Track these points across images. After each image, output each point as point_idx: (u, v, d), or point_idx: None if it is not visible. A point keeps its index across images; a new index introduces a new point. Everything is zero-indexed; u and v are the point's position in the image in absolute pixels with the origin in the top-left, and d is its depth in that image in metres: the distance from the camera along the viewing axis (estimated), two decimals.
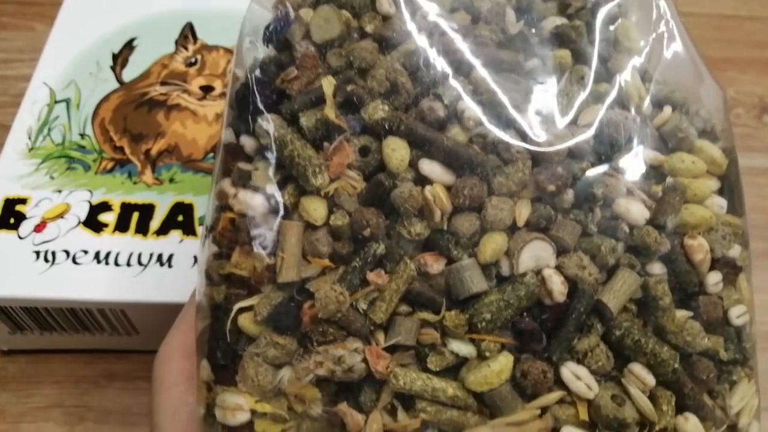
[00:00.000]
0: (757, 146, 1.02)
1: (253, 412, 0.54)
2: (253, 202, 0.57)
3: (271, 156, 0.57)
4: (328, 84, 0.57)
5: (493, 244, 0.53)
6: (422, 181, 0.55)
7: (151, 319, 0.82)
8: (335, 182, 0.56)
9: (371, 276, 0.54)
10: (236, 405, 0.54)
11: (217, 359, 0.57)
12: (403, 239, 0.54)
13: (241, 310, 0.56)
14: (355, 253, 0.55)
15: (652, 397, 0.52)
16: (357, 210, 0.55)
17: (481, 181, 0.54)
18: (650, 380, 0.52)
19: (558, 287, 0.52)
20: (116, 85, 0.92)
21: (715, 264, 0.56)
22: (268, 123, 0.57)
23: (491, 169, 0.54)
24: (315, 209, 0.56)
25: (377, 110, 0.55)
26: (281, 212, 0.56)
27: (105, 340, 0.88)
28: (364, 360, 0.52)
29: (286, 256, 0.55)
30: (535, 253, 0.53)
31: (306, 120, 0.56)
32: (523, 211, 0.53)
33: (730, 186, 0.58)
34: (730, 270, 0.57)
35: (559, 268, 0.53)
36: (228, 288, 0.57)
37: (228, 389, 0.55)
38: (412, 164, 0.55)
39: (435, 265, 0.54)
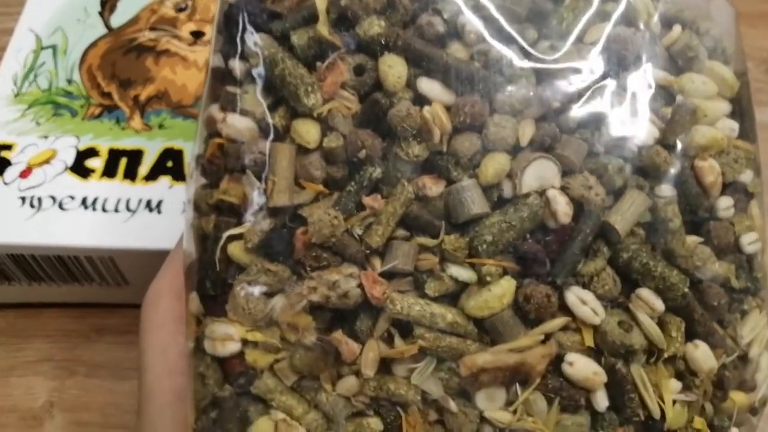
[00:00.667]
0: (766, 101, 0.99)
1: (244, 342, 0.52)
2: (242, 125, 0.55)
3: (261, 77, 0.55)
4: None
5: (495, 164, 0.50)
6: (421, 100, 0.52)
7: (140, 267, 0.79)
8: (329, 103, 0.53)
9: (367, 200, 0.52)
10: (226, 335, 0.52)
11: (206, 290, 0.54)
12: (400, 161, 0.51)
13: (231, 239, 0.54)
14: (350, 177, 0.52)
15: (661, 323, 0.50)
16: (352, 131, 0.52)
17: (483, 99, 0.51)
18: (659, 305, 0.50)
19: (563, 208, 0.50)
20: (104, 31, 0.89)
21: (726, 189, 0.54)
22: (258, 42, 0.54)
23: (493, 86, 0.51)
24: (307, 131, 0.53)
25: (373, 26, 0.52)
26: (272, 135, 0.54)
27: (95, 293, 0.86)
28: (360, 285, 0.50)
29: (277, 179, 0.52)
30: (539, 173, 0.50)
31: (298, 38, 0.54)
32: (527, 130, 0.51)
33: (741, 110, 0.56)
34: (742, 196, 0.54)
35: (563, 188, 0.50)
36: (217, 216, 0.55)
37: (218, 320, 0.53)
38: (410, 83, 0.52)
39: (434, 187, 0.52)
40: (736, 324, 0.53)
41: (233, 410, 0.52)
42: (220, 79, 0.59)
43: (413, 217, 0.51)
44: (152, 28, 0.89)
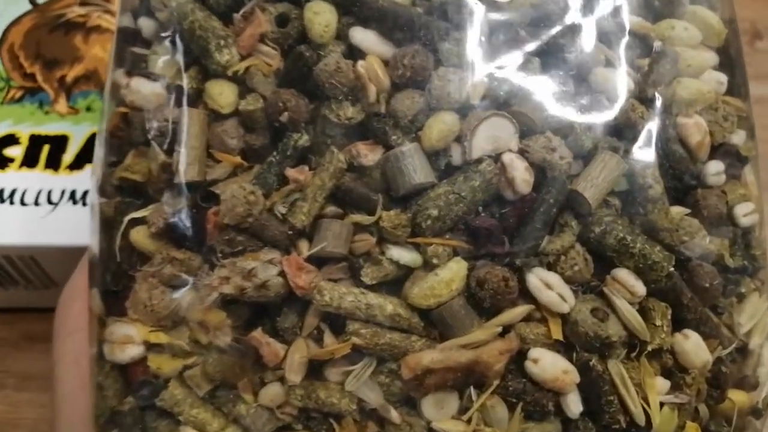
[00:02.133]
0: (749, 73, 0.90)
1: (147, 345, 0.44)
2: (147, 90, 0.46)
3: (170, 34, 0.47)
4: None
5: (440, 125, 0.42)
6: (353, 53, 0.44)
7: (66, 266, 0.71)
8: (246, 60, 0.45)
9: (291, 172, 0.43)
10: (125, 337, 0.44)
11: (107, 285, 0.46)
12: (330, 125, 0.43)
13: (134, 224, 0.46)
14: (273, 147, 0.45)
15: (643, 310, 0.42)
16: (273, 92, 0.44)
17: (425, 49, 0.43)
18: (639, 289, 0.41)
19: (521, 175, 0.42)
20: (29, 6, 0.81)
21: (715, 152, 0.46)
22: None
23: (437, 33, 0.43)
24: (220, 93, 0.45)
25: None
26: (183, 102, 0.46)
27: (21, 297, 0.77)
28: (282, 274, 0.42)
29: (184, 151, 0.44)
30: (493, 133, 0.42)
31: None
32: (478, 84, 0.43)
33: (730, 61, 0.48)
34: (734, 160, 0.47)
35: (522, 152, 0.42)
36: (119, 198, 0.47)
37: (119, 320, 0.45)
38: (341, 34, 0.44)
39: (370, 154, 0.44)
40: (733, 310, 0.45)
41: (135, 427, 0.43)
42: (128, 39, 0.51)
43: (345, 190, 0.43)
44: (82, 3, 0.80)
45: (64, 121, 0.73)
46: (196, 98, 0.46)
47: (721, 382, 0.42)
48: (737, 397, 0.43)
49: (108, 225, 0.47)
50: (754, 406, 0.44)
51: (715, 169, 0.44)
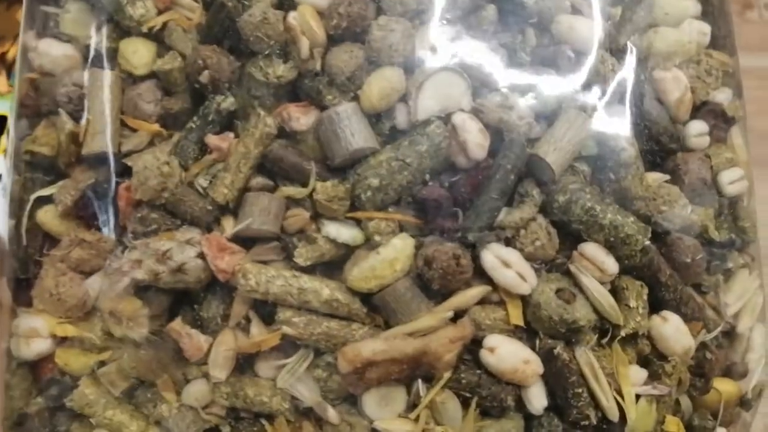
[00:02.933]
0: (739, 44, 0.85)
1: (56, 338, 0.39)
2: (57, 52, 0.41)
3: None
4: None
5: (381, 82, 0.37)
6: (284, 4, 0.39)
7: None
8: (164, 14, 0.40)
9: (212, 140, 0.38)
10: (31, 330, 0.39)
11: (15, 273, 0.41)
12: (256, 84, 0.38)
13: (43, 203, 0.41)
14: (194, 112, 0.40)
15: (615, 290, 0.37)
16: (193, 49, 0.39)
17: None
18: (610, 265, 0.36)
19: (474, 138, 0.36)
20: None
21: (698, 111, 0.41)
22: None
23: None
24: (134, 52, 0.40)
25: None
26: (96, 64, 0.41)
27: None
28: (201, 255, 0.37)
29: (93, 118, 0.39)
30: (442, 91, 0.37)
31: None
32: (425, 35, 0.38)
33: (713, 10, 0.43)
34: (720, 121, 0.42)
35: (476, 112, 0.37)
36: (27, 174, 0.42)
37: (26, 311, 0.40)
38: None
39: (302, 118, 0.38)
40: (719, 289, 0.40)
41: (42, 431, 0.39)
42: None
43: (274, 158, 0.37)
44: None
45: (4, 99, 0.68)
46: (112, 60, 0.41)
47: (705, 371, 0.37)
48: (724, 386, 0.38)
49: (16, 206, 0.42)
50: (742, 396, 0.39)
51: (697, 130, 0.39)
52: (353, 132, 0.37)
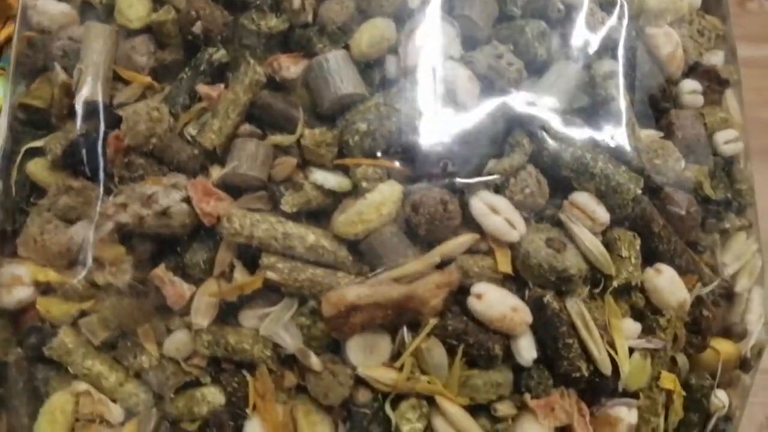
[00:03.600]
0: (739, 34, 0.84)
1: (38, 286, 0.38)
2: (55, 10, 0.42)
3: None
4: None
5: (372, 30, 0.37)
6: None
7: None
8: None
9: (203, 88, 0.38)
10: (13, 277, 0.38)
11: (2, 225, 0.41)
12: (248, 34, 0.38)
13: (32, 155, 0.41)
14: (187, 65, 0.40)
15: (607, 241, 0.36)
16: (187, 1, 0.40)
17: None
18: (602, 215, 0.35)
19: (464, 84, 0.36)
20: None
21: (691, 72, 0.41)
22: None
23: None
24: (130, 6, 0.40)
25: None
26: (97, 18, 0.41)
27: None
28: (187, 200, 0.37)
29: (85, 67, 0.39)
30: (432, 39, 0.37)
31: None
32: None
33: None
34: (714, 83, 0.41)
35: (466, 62, 0.37)
36: (18, 127, 0.42)
37: (10, 261, 0.39)
38: None
39: (293, 67, 0.38)
40: (716, 248, 0.39)
41: (20, 381, 0.38)
42: None
43: (263, 106, 0.37)
44: None
45: None
46: (108, 15, 0.41)
47: (701, 327, 0.36)
48: (722, 346, 0.37)
49: (7, 160, 0.42)
50: (742, 356, 0.37)
51: (690, 87, 0.39)
52: (342, 78, 0.36)
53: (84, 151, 0.38)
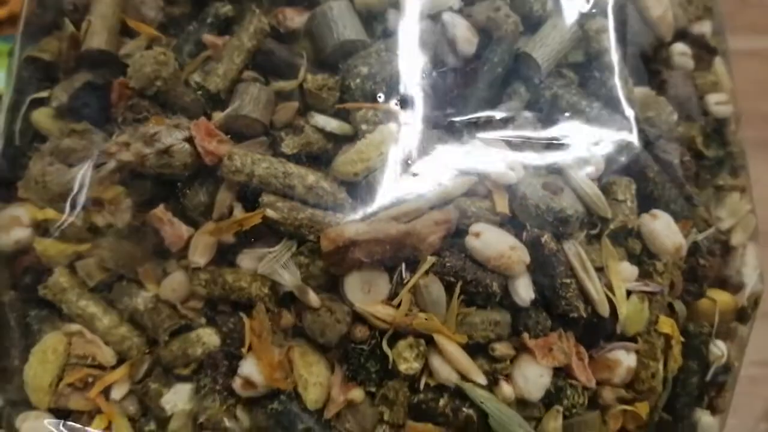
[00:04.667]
0: (739, 27, 0.85)
1: (37, 226, 0.38)
2: None
3: None
4: None
5: None
6: None
7: None
8: None
9: (208, 38, 0.39)
10: (12, 218, 0.38)
11: (4, 172, 0.41)
12: None
13: (37, 104, 0.41)
14: (195, 18, 0.41)
15: (603, 187, 0.36)
16: None
17: None
18: (597, 160, 0.37)
19: (463, 33, 0.37)
20: None
21: (680, 38, 0.42)
22: None
23: None
24: None
25: None
26: None
27: None
28: (189, 140, 0.37)
29: (95, 18, 0.40)
30: None
31: None
32: None
33: None
34: (702, 51, 0.43)
35: (465, 15, 0.39)
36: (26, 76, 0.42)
37: (8, 205, 0.39)
38: None
39: (297, 18, 0.39)
40: (710, 203, 0.39)
41: (12, 320, 0.37)
42: None
43: (266, 53, 0.38)
44: None
45: None
46: None
47: (698, 276, 0.36)
48: (719, 296, 0.37)
49: (12, 111, 0.42)
50: (738, 308, 0.37)
51: (680, 49, 0.40)
52: (345, 25, 0.37)
53: (88, 98, 0.39)
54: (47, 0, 0.43)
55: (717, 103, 0.40)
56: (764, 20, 0.76)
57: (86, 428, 0.36)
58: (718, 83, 0.41)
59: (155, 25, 0.40)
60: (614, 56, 0.37)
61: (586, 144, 0.36)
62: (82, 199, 0.37)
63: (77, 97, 0.39)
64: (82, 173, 0.38)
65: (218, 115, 0.38)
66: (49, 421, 0.36)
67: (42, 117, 0.40)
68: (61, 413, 0.36)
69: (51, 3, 0.43)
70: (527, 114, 0.36)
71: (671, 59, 0.40)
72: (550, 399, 0.34)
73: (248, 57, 0.38)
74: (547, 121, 0.36)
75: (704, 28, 0.42)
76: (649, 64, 0.40)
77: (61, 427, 0.35)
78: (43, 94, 0.40)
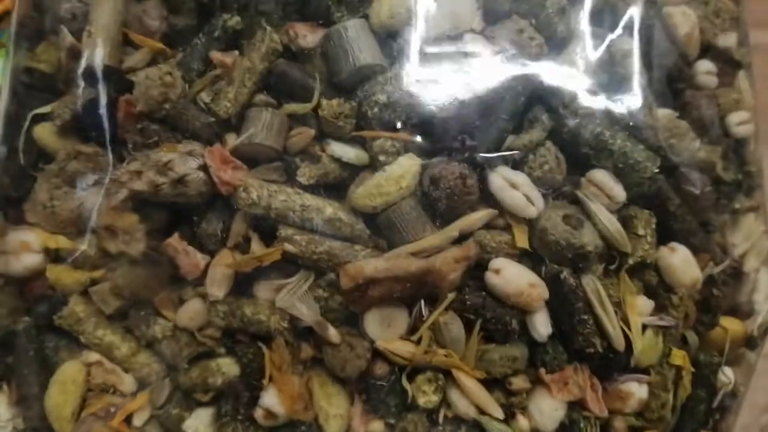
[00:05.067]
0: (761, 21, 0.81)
1: (48, 253, 0.37)
2: None
3: None
4: None
5: (392, 0, 0.37)
6: None
7: None
8: None
9: (217, 55, 0.37)
10: (21, 244, 0.37)
11: (7, 191, 0.40)
12: (265, 1, 0.38)
13: (39, 120, 0.40)
14: (200, 30, 0.39)
15: (623, 218, 0.36)
16: None
17: None
18: (619, 192, 0.36)
19: (485, 59, 0.36)
20: None
21: (706, 53, 0.41)
22: None
23: None
24: None
25: None
26: None
27: None
28: (204, 168, 0.36)
29: (95, 30, 0.38)
30: (450, 9, 0.36)
31: None
32: None
33: None
34: (727, 66, 0.42)
35: (487, 36, 0.37)
36: (25, 92, 0.41)
37: (17, 228, 0.39)
38: None
39: (309, 36, 0.38)
40: (726, 228, 0.39)
41: (30, 350, 0.37)
42: None
43: (279, 74, 0.36)
44: None
45: None
46: None
47: (712, 306, 0.37)
48: (730, 324, 0.38)
49: (12, 125, 0.41)
50: (748, 335, 0.38)
51: (705, 68, 0.39)
52: (361, 48, 0.36)
53: (93, 116, 0.38)
54: (43, 4, 0.40)
55: (739, 123, 0.40)
56: (765, 15, 0.74)
57: None
58: (741, 101, 0.40)
59: (158, 35, 0.38)
60: (640, 82, 0.36)
61: (608, 176, 0.35)
62: (93, 226, 0.37)
63: (81, 117, 0.37)
64: (92, 199, 0.37)
65: (231, 138, 0.37)
66: None
67: (46, 134, 0.38)
68: None
69: (47, 8, 0.40)
70: (550, 145, 0.35)
71: (695, 79, 0.39)
72: (564, 430, 0.35)
73: (260, 79, 0.36)
74: (570, 154, 0.36)
75: (729, 41, 0.41)
76: (673, 83, 0.39)
77: None
78: (45, 109, 0.39)
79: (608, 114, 0.37)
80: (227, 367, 0.36)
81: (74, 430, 0.36)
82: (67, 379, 0.36)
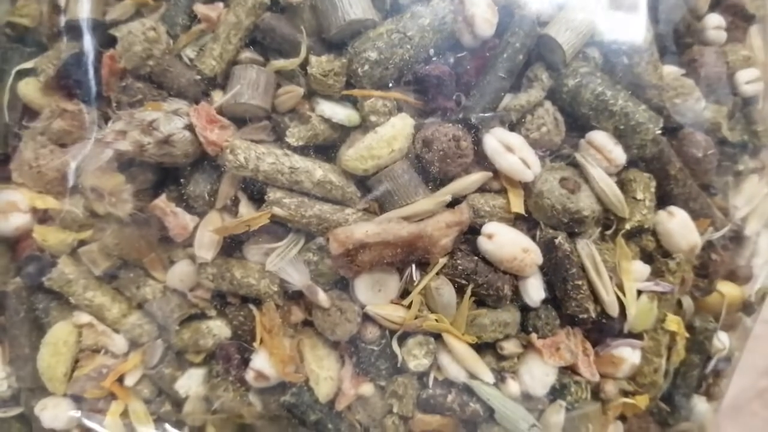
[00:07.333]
0: None
1: (36, 213, 0.37)
2: None
3: None
4: None
5: None
6: None
7: None
8: None
9: (201, 8, 0.36)
10: (9, 204, 0.37)
11: None
12: None
13: (24, 75, 0.39)
14: None
15: (622, 182, 0.35)
16: None
17: None
18: (618, 155, 0.34)
19: (482, 12, 0.34)
20: None
21: (716, 7, 0.39)
22: None
23: None
24: None
25: None
26: None
27: None
28: (190, 127, 0.35)
29: None
30: None
31: None
32: None
33: None
34: (738, 18, 0.40)
35: None
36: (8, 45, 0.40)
37: (4, 187, 0.38)
38: None
39: None
40: (728, 190, 0.38)
41: (21, 311, 0.37)
42: None
43: (266, 29, 0.35)
44: None
45: None
46: None
47: (709, 271, 0.36)
48: (727, 289, 0.37)
49: None
50: (745, 300, 0.38)
51: (715, 22, 0.37)
52: (351, 2, 0.34)
53: (77, 72, 0.36)
54: None
55: (748, 81, 0.38)
56: None
57: (104, 413, 0.37)
58: (751, 58, 0.39)
59: None
60: (645, 38, 0.35)
61: (608, 138, 0.34)
62: (80, 186, 0.36)
63: (65, 73, 0.36)
64: (78, 157, 0.36)
65: (218, 95, 0.36)
66: (69, 409, 0.37)
67: (30, 90, 0.37)
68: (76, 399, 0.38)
69: None
70: (548, 106, 0.34)
71: (704, 34, 0.37)
72: (555, 395, 0.35)
73: (246, 35, 0.35)
74: (569, 116, 0.34)
75: None
76: (680, 38, 0.37)
77: (80, 415, 0.36)
78: (28, 64, 0.38)
79: (610, 72, 0.36)
80: (218, 329, 0.36)
81: (67, 389, 0.36)
82: (59, 341, 0.36)
